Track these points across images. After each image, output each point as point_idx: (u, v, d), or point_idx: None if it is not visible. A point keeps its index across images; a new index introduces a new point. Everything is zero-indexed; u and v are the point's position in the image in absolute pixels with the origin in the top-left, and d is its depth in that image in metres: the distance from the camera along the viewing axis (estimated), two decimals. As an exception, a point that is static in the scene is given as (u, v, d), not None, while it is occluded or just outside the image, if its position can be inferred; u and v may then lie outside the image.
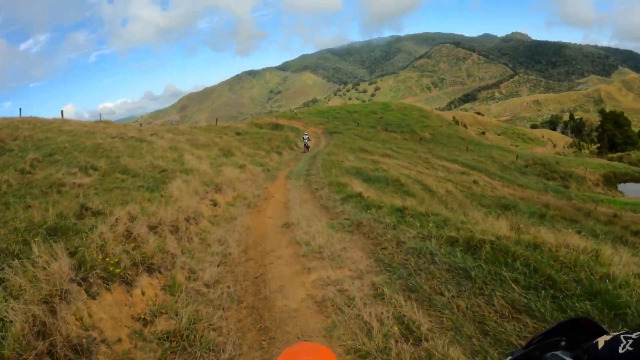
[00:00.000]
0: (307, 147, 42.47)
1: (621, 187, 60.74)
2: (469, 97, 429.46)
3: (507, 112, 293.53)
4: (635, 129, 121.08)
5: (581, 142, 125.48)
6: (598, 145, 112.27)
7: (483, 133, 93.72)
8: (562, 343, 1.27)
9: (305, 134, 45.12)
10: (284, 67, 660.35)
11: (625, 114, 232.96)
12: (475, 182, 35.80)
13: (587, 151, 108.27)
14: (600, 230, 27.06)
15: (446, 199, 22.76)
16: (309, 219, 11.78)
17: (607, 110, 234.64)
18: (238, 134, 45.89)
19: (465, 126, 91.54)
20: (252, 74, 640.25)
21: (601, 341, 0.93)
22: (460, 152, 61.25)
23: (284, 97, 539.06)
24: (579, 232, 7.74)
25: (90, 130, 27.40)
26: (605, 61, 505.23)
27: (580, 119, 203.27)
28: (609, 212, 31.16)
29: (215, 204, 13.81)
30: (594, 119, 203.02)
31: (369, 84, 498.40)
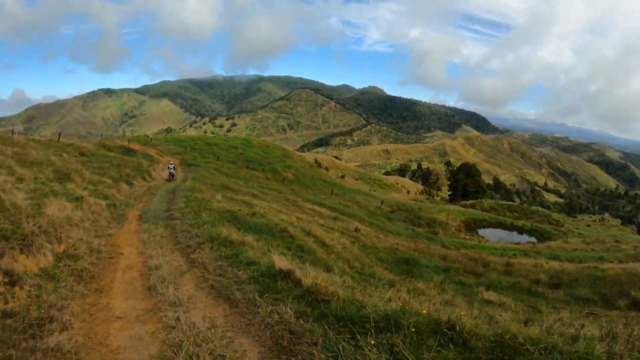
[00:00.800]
0: (172, 175, 41.60)
1: (481, 232, 63.05)
2: (322, 142, 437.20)
3: (358, 158, 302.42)
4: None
5: (431, 190, 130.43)
6: (450, 192, 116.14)
7: (342, 177, 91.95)
8: None
9: (171, 163, 44.07)
10: (142, 91, 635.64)
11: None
12: (357, 230, 33.29)
13: (438, 198, 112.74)
14: (507, 283, 24.87)
15: (345, 255, 20.70)
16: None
17: (452, 161, 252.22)
18: (82, 154, 39.40)
19: (326, 169, 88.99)
20: (108, 92, 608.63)
21: None
22: (325, 195, 59.66)
23: (138, 121, 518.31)
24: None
25: None
26: (451, 119, 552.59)
27: (428, 168, 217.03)
28: (501, 262, 31.52)
29: (12, 281, 7.51)
30: (440, 168, 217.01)
31: (226, 119, 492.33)
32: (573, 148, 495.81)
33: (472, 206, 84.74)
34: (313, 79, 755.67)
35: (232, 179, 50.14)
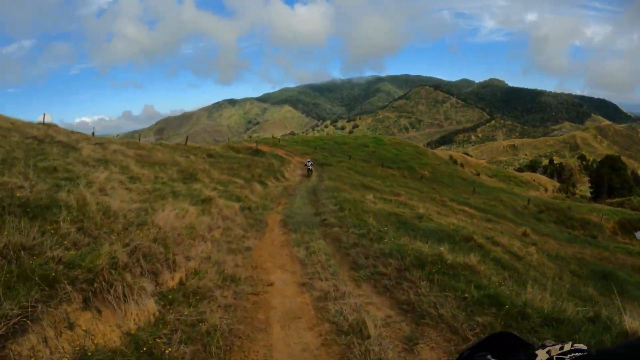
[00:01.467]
0: (310, 171, 41.70)
1: (638, 235, 55.22)
2: (445, 140, 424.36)
3: (484, 155, 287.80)
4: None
5: (568, 187, 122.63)
6: (591, 189, 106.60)
7: (477, 174, 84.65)
8: (488, 357, 1.31)
9: (309, 161, 44.47)
10: (264, 99, 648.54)
11: (598, 159, 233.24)
12: (526, 234, 27.98)
13: (577, 196, 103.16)
14: None
15: (542, 270, 15.93)
16: None
17: (585, 155, 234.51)
18: (210, 155, 36.50)
19: (462, 166, 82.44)
20: (232, 102, 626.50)
21: (542, 353, 1.01)
22: (467, 194, 53.39)
23: (262, 128, 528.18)
24: None
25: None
26: (579, 109, 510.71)
27: (560, 163, 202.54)
28: None
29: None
30: (573, 163, 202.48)
31: (347, 121, 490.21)
32: None
33: (621, 204, 75.02)
34: (431, 75, 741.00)
35: (368, 177, 45.92)
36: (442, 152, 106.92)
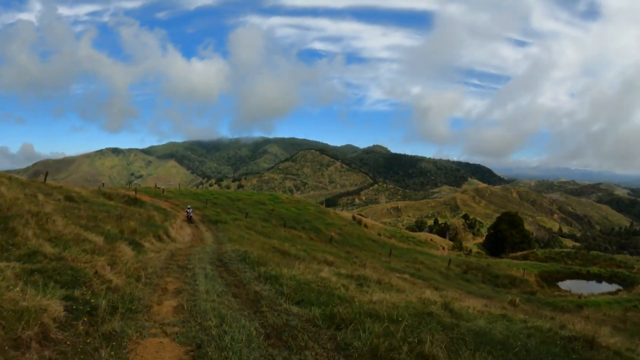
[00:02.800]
0: (190, 218, 39.17)
1: (561, 285, 56.88)
2: (330, 202, 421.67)
3: (368, 217, 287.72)
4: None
5: (461, 244, 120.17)
6: (482, 244, 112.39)
7: (379, 235, 77.24)
8: None
9: (189, 207, 41.22)
10: (149, 151, 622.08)
11: (478, 218, 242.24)
12: (514, 303, 24.75)
13: (473, 252, 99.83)
14: None
15: None
16: None
17: (467, 214, 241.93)
18: (69, 199, 26.74)
19: (366, 226, 74.79)
20: (116, 151, 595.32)
21: None
22: (385, 257, 47.70)
23: (145, 181, 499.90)
24: None
25: None
26: (457, 173, 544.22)
27: (445, 222, 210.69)
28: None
29: None
30: (458, 222, 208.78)
31: (233, 181, 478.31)
32: (581, 191, 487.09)
33: (525, 257, 74.40)
34: (317, 140, 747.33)
35: (274, 239, 37.26)
36: (343, 212, 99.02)
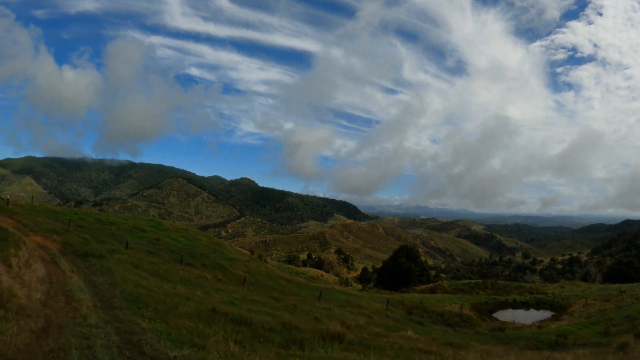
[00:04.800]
0: None
1: (495, 315, 54.61)
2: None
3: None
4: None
5: (348, 280, 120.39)
6: (374, 280, 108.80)
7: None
8: None
9: None
10: (4, 164, 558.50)
11: (348, 253, 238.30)
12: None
13: (366, 287, 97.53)
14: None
15: None
16: None
17: (341, 249, 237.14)
18: None
19: (266, 261, 61.86)
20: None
21: None
22: (315, 302, 37.46)
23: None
24: None
25: None
26: (323, 209, 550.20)
27: (319, 257, 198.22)
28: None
29: None
30: (332, 257, 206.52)
31: (93, 205, 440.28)
32: (441, 227, 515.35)
33: (432, 291, 69.13)
34: (185, 168, 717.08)
35: (177, 284, 25.58)
36: (234, 245, 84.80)
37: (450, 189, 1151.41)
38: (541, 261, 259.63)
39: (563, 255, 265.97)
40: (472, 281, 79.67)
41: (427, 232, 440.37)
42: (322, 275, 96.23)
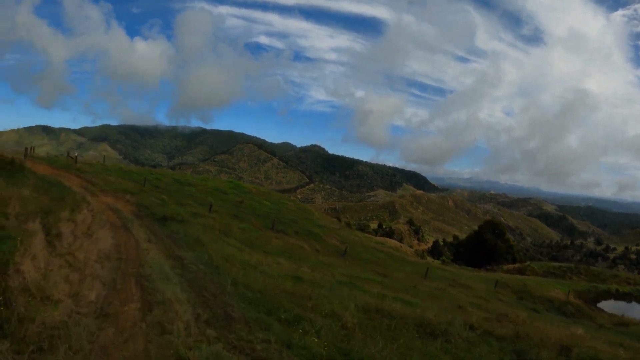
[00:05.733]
0: None
1: (603, 307, 46.85)
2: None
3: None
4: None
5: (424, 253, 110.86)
6: (452, 255, 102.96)
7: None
8: None
9: None
10: (82, 132, 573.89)
11: (419, 224, 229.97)
12: None
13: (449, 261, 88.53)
14: None
15: None
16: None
17: (412, 220, 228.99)
18: None
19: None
20: (46, 130, 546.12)
21: None
22: (421, 280, 31.26)
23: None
24: None
25: None
26: (392, 178, 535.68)
27: (390, 227, 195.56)
28: None
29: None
30: (403, 228, 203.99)
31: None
32: (512, 203, 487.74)
33: (520, 271, 61.25)
34: (255, 135, 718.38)
35: (277, 258, 20.59)
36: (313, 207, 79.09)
37: (522, 164, 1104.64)
38: (614, 249, 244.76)
39: (637, 245, 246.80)
40: (563, 265, 72.68)
41: (497, 208, 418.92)
42: (401, 247, 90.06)
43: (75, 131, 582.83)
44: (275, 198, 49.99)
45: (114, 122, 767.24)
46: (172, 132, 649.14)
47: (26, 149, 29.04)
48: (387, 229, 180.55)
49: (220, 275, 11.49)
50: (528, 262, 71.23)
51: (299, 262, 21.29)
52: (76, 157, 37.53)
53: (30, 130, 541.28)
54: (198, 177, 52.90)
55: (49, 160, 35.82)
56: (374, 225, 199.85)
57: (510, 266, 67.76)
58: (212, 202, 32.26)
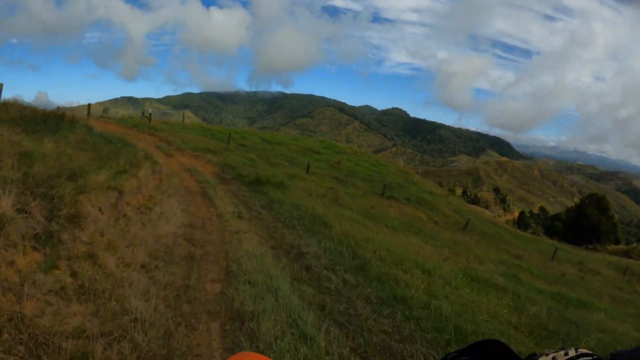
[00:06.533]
0: None
1: None
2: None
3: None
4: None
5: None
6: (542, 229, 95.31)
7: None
8: None
9: None
10: (165, 101, 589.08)
11: (505, 193, 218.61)
12: None
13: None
14: None
15: None
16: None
17: (498, 187, 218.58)
18: None
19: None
20: (131, 100, 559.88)
21: None
22: (547, 262, 26.77)
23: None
24: None
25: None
26: (476, 144, 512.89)
27: (476, 194, 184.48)
28: None
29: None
30: (488, 196, 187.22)
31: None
32: (599, 176, 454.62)
33: (626, 254, 53.23)
34: (335, 98, 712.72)
35: (409, 237, 14.94)
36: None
37: (613, 134, 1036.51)
38: None
39: None
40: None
41: (585, 180, 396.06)
42: (494, 217, 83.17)
43: (158, 100, 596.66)
44: (373, 159, 44.47)
45: (195, 90, 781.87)
46: (253, 98, 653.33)
47: (89, 105, 24.73)
48: (472, 197, 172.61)
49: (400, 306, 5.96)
50: (635, 244, 65.31)
51: (431, 240, 15.78)
52: (150, 114, 33.01)
53: (115, 101, 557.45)
54: (288, 136, 48.00)
55: (121, 120, 31.60)
56: (458, 191, 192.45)
57: (615, 247, 61.49)
58: (298, 160, 27.01)
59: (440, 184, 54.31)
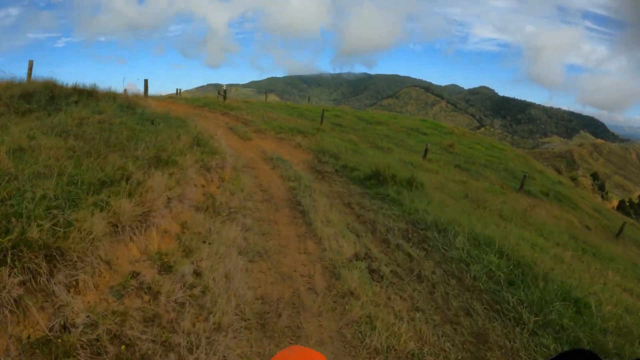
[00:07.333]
0: None
1: None
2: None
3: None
4: None
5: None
6: None
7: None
8: None
9: None
10: (250, 86, 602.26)
11: (603, 179, 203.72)
12: None
13: None
14: None
15: None
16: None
17: (596, 173, 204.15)
18: None
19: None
20: (216, 87, 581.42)
21: None
22: None
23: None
24: None
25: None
26: (568, 124, 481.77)
27: (575, 179, 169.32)
28: None
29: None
30: (586, 182, 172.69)
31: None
32: None
33: None
34: (420, 78, 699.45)
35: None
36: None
37: None
38: None
39: None
40: None
41: None
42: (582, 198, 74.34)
43: (243, 85, 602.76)
44: (486, 142, 38.47)
45: (279, 75, 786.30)
46: (337, 80, 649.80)
47: (145, 81, 20.52)
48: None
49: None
50: None
51: (609, 262, 10.48)
52: (224, 91, 28.07)
53: (202, 88, 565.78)
54: (386, 114, 42.58)
55: (192, 99, 27.14)
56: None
57: None
58: (428, 145, 21.27)
59: (559, 171, 46.87)
